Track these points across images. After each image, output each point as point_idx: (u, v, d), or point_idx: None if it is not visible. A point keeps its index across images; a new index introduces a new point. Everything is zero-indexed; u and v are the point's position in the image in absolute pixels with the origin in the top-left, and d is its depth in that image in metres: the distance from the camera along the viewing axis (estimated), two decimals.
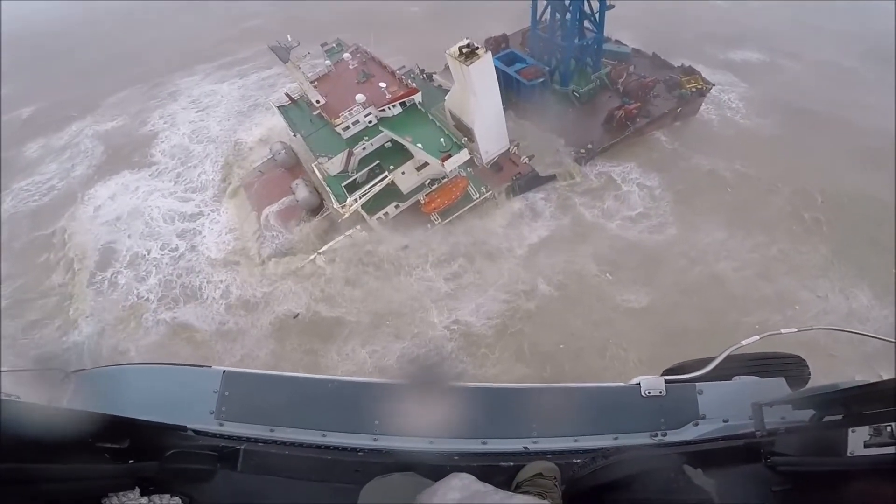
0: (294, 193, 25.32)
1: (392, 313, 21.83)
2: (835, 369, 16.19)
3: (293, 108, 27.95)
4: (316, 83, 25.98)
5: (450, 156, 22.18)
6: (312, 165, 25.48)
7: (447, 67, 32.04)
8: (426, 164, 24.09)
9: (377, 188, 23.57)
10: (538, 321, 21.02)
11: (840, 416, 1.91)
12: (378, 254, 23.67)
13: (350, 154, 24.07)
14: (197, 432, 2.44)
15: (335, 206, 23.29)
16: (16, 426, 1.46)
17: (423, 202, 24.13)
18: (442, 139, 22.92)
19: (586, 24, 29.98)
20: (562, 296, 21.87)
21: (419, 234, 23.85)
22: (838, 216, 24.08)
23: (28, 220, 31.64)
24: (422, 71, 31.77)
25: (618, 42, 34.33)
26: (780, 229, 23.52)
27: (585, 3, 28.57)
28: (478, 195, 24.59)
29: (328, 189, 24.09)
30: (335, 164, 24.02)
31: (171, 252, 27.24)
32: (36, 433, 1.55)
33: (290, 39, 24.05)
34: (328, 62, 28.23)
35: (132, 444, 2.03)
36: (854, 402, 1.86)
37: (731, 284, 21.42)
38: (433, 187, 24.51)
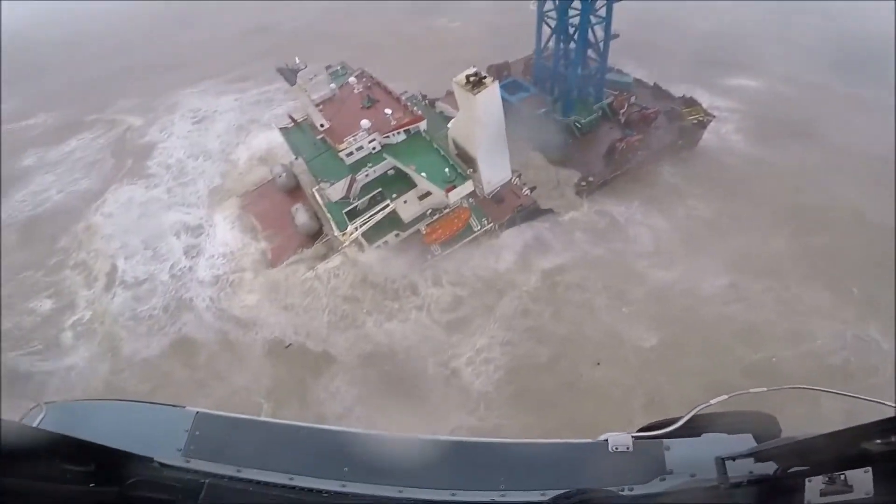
0: (294, 218, 25.05)
1: (380, 356, 21.38)
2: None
3: (296, 131, 27.75)
4: (321, 107, 25.80)
5: (454, 187, 22.03)
6: (313, 190, 25.30)
7: (449, 94, 32.33)
8: (429, 193, 23.97)
9: (378, 216, 23.36)
10: (544, 362, 20.77)
11: (799, 467, 2.03)
12: (374, 284, 23.43)
13: (352, 180, 23.88)
14: (163, 465, 2.45)
15: (335, 234, 23.05)
16: None
17: (424, 232, 23.95)
18: (447, 169, 22.80)
19: (590, 52, 30.24)
20: (571, 332, 21.61)
21: (418, 264, 23.67)
22: (841, 255, 24.15)
23: (20, 235, 31.03)
24: (424, 97, 31.64)
25: (619, 71, 34.53)
26: (787, 272, 23.48)
27: (590, 32, 28.77)
28: (479, 227, 24.49)
29: (329, 215, 23.87)
30: (337, 191, 23.81)
31: (169, 271, 26.85)
32: None
33: (297, 62, 23.88)
34: (333, 85, 28.08)
35: (96, 470, 2.03)
36: (809, 453, 1.96)
37: (741, 324, 21.34)
38: (434, 217, 24.35)
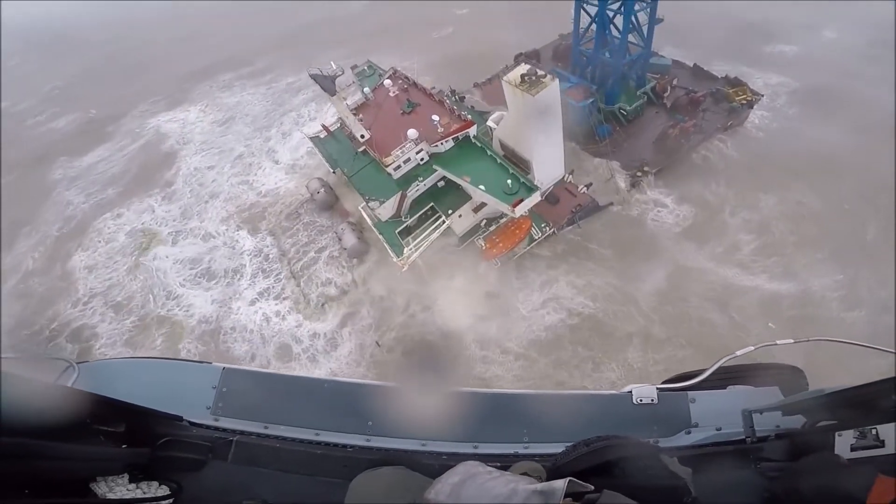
0: (340, 240, 23.43)
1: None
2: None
3: (330, 141, 25.81)
4: (360, 116, 23.69)
5: (521, 200, 20.35)
6: (360, 208, 23.59)
7: (476, 86, 31.39)
8: (483, 204, 22.41)
9: (434, 236, 21.80)
10: None
11: (828, 421, 2.00)
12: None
13: (403, 197, 22.19)
14: (192, 423, 2.46)
15: (393, 259, 21.51)
16: (14, 401, 1.45)
17: (483, 247, 22.43)
18: (508, 180, 21.02)
19: (631, 38, 28.46)
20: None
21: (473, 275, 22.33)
22: None
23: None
24: (453, 92, 29.98)
25: (656, 54, 32.82)
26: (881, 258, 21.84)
27: (633, 16, 26.90)
28: (539, 234, 23.06)
29: (381, 237, 22.26)
30: (387, 209, 22.13)
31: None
32: (33, 409, 1.54)
33: (334, 67, 21.30)
34: (367, 89, 25.83)
35: (128, 430, 2.07)
36: (839, 407, 1.90)
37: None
38: (490, 228, 22.83)
